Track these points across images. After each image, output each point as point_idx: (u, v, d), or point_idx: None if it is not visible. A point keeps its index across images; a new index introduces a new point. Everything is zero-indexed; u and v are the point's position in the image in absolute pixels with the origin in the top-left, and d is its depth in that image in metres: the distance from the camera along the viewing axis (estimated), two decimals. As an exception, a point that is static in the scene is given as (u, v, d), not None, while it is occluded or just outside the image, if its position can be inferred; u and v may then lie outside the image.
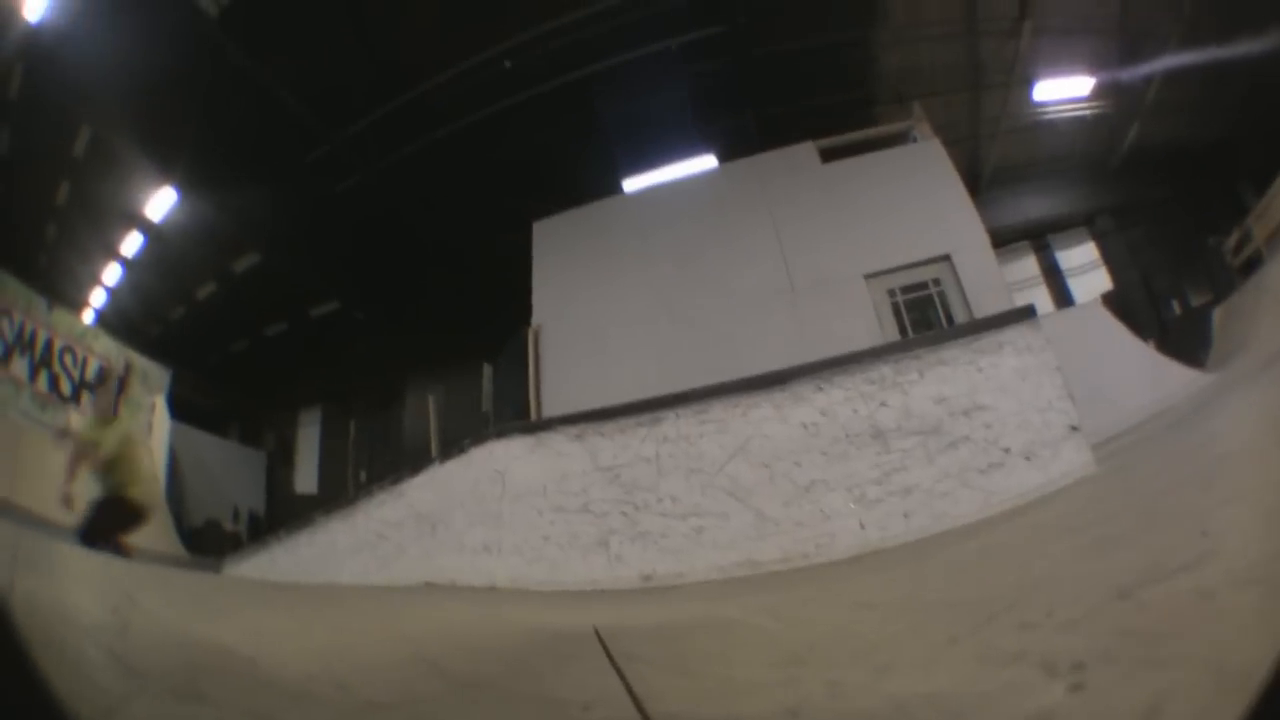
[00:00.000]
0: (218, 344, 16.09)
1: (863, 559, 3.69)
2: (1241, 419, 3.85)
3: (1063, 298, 13.64)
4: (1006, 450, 3.99)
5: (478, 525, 4.76)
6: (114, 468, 5.53)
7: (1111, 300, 10.56)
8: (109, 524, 5.37)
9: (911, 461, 3.98)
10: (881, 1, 10.08)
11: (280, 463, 17.33)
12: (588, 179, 10.30)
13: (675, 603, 3.47)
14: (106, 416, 5.98)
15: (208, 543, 12.19)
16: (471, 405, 11.21)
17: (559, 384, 8.33)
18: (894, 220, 8.08)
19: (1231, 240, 10.70)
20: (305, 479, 17.22)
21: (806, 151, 9.12)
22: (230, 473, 15.31)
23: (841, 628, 2.28)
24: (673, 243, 8.82)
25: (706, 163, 10.36)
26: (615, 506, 4.34)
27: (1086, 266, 13.87)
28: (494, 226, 11.84)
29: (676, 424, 4.33)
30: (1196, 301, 11.88)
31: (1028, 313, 4.35)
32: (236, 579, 6.64)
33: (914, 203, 8.14)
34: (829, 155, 9.10)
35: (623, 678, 1.92)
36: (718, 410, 4.27)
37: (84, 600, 2.64)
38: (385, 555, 5.44)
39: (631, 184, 10.39)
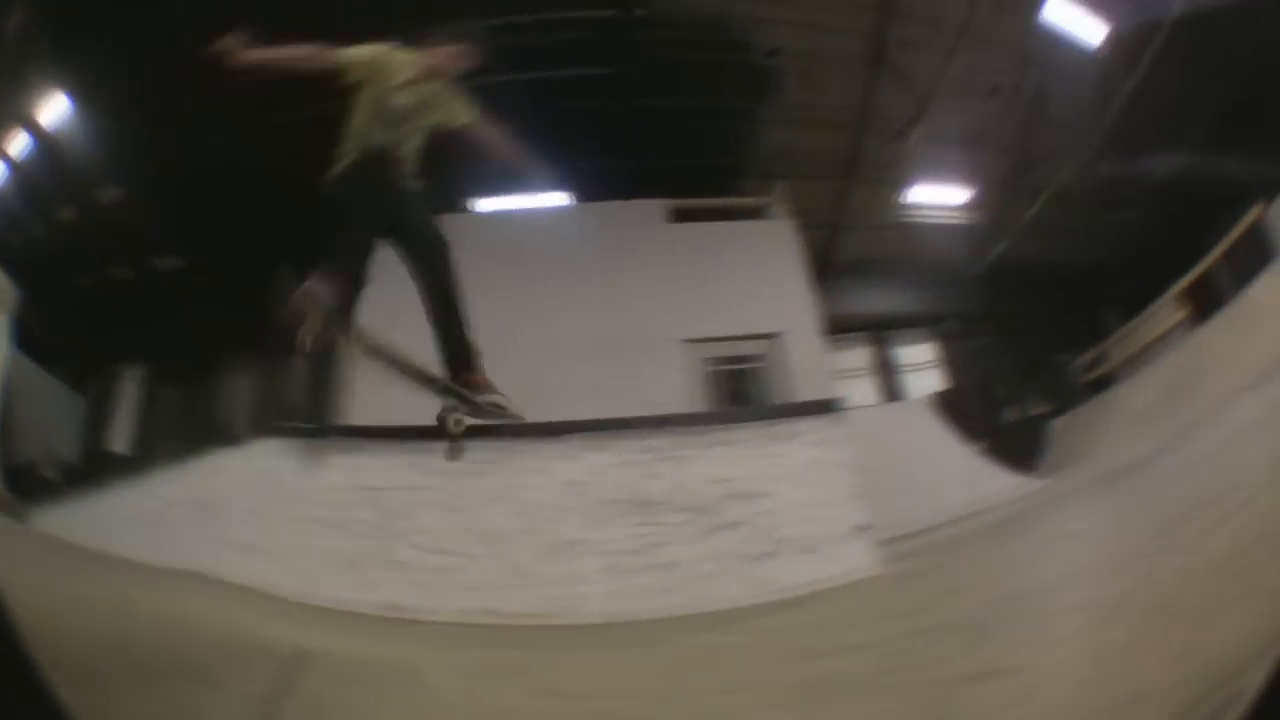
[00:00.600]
0: (65, 274, 14.97)
1: (603, 630, 3.56)
2: (1063, 543, 3.87)
3: (893, 392, 13.97)
4: (782, 541, 3.94)
5: (244, 522, 4.53)
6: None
7: (944, 400, 10.77)
8: None
9: (676, 537, 3.88)
10: (777, 77, 10.16)
11: (100, 415, 16.28)
12: (440, 190, 10.02)
13: (392, 641, 3.39)
14: None
15: (23, 484, 11.27)
16: (283, 395, 10.75)
17: (368, 391, 8.00)
18: (728, 290, 8.02)
19: (1085, 359, 10.97)
20: (120, 438, 16.27)
21: (658, 207, 9.03)
22: (55, 416, 14.31)
23: (517, 713, 2.15)
24: (506, 273, 8.60)
25: (559, 199, 10.18)
26: (372, 529, 4.11)
27: (924, 365, 14.27)
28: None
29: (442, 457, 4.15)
30: (1036, 411, 12.13)
31: (829, 405, 4.36)
32: (29, 528, 6.35)
33: (753, 277, 8.13)
34: (681, 216, 9.01)
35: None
36: (486, 451, 4.11)
37: None
38: (158, 535, 5.04)
39: (481, 205, 10.16)
